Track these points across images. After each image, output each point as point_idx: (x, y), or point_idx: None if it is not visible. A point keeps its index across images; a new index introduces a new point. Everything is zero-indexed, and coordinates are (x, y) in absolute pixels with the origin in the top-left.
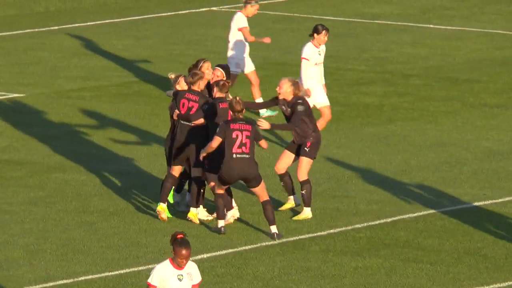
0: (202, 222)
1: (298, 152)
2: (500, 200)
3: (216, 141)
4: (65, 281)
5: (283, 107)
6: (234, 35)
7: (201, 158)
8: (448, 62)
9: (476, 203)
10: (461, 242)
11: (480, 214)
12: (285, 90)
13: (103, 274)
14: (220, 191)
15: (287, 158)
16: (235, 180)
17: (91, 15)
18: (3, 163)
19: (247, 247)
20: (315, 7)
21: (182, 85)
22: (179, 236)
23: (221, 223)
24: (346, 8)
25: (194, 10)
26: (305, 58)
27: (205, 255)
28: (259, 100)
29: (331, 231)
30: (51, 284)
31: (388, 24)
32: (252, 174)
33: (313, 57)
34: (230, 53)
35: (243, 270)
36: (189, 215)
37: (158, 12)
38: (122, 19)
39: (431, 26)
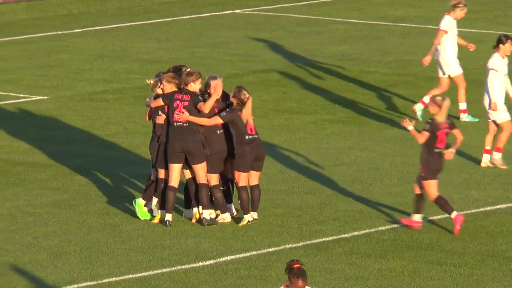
0: (210, 223)
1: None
2: None
3: (156, 102)
4: (88, 283)
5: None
6: (443, 39)
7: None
8: (472, 65)
9: (500, 206)
10: (485, 244)
11: (504, 217)
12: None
13: (126, 277)
14: (172, 184)
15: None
16: (179, 151)
17: (114, 17)
18: (27, 165)
19: (270, 249)
20: (338, 10)
21: (166, 88)
22: (296, 265)
23: (167, 216)
24: (370, 10)
25: (217, 13)
26: (493, 69)
27: (228, 257)
28: (463, 104)
29: (355, 233)
30: (74, 286)
31: (411, 27)
32: (190, 145)
33: (501, 67)
34: (439, 57)
35: (266, 272)
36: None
37: (181, 14)
38: (145, 22)
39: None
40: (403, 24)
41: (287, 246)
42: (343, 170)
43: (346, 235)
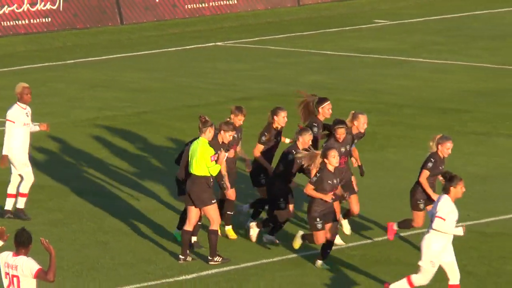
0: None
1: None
2: (483, 220)
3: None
4: None
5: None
6: None
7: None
8: (438, 94)
9: (461, 223)
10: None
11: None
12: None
13: None
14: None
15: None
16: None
17: (105, 49)
18: None
19: (248, 264)
20: (314, 42)
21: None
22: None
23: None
24: (343, 43)
25: (200, 45)
26: None
27: (210, 271)
28: None
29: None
30: None
31: (382, 58)
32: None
33: None
34: None
35: (244, 286)
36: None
37: (167, 47)
38: (134, 54)
39: (422, 60)
40: (374, 56)
41: (264, 260)
42: None
43: (316, 251)
